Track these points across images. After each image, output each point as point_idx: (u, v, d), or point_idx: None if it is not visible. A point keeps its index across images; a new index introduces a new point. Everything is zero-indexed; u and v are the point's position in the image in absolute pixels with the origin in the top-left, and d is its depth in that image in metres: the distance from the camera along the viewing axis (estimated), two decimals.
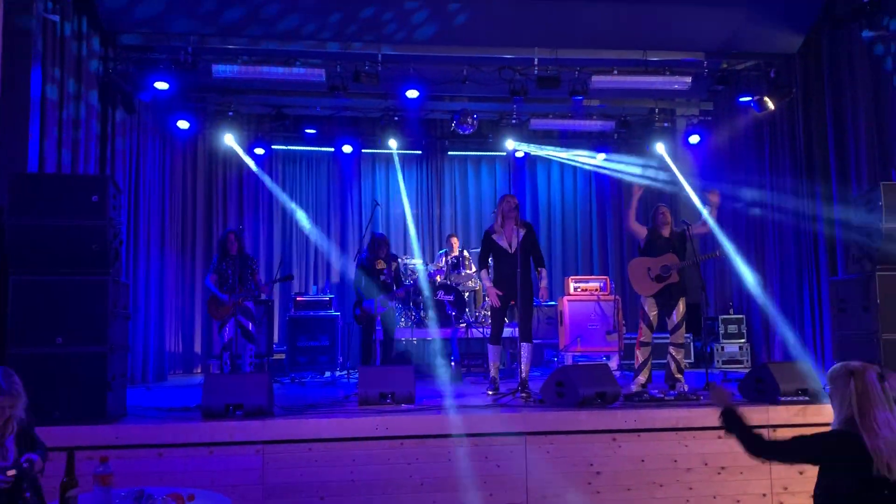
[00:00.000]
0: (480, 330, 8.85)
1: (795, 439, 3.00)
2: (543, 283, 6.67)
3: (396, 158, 11.56)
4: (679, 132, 11.05)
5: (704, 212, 6.77)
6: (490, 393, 6.42)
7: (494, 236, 6.61)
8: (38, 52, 6.03)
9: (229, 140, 10.18)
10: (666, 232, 6.67)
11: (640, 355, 6.61)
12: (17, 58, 5.68)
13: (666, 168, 10.90)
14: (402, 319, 9.32)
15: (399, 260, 8.73)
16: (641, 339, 6.63)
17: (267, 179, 11.05)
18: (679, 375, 6.50)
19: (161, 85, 8.39)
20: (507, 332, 8.42)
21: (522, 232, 6.47)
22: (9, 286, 4.92)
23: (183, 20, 8.15)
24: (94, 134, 7.61)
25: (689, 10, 8.19)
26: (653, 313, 6.59)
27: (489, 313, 7.38)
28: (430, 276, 9.29)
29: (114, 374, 5.09)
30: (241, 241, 7.88)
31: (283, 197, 11.19)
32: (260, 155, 10.84)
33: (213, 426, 4.85)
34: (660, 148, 10.71)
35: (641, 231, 6.76)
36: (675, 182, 10.97)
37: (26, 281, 4.94)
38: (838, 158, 7.92)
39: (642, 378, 6.53)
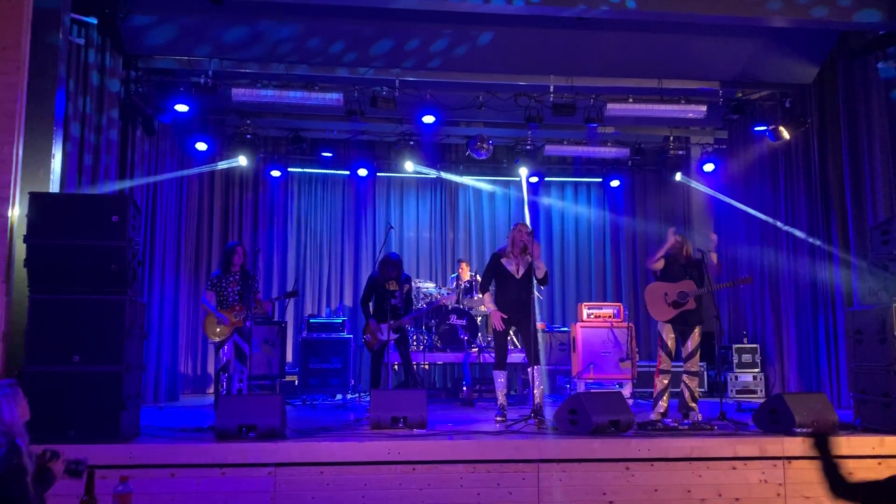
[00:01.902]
0: (493, 355, 8.80)
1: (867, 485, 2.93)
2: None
3: (411, 182, 11.65)
4: (694, 160, 11.07)
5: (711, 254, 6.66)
6: (498, 420, 6.40)
7: (504, 260, 6.65)
8: (62, 75, 6.14)
9: (246, 162, 10.28)
10: (683, 258, 6.67)
11: (659, 383, 6.53)
12: (42, 81, 5.78)
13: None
14: (415, 343, 9.32)
15: (413, 283, 8.64)
16: (661, 366, 6.58)
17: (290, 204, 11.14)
18: (693, 404, 6.45)
19: (181, 108, 8.53)
20: (517, 357, 8.44)
21: (529, 259, 6.55)
22: (28, 304, 4.98)
23: (204, 44, 8.29)
24: (114, 154, 7.72)
25: (704, 40, 8.25)
26: (670, 340, 6.55)
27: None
28: (436, 303, 9.24)
29: (128, 394, 5.12)
30: (247, 258, 7.46)
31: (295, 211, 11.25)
32: (276, 177, 10.95)
33: (226, 447, 4.86)
34: (679, 176, 10.76)
35: (661, 264, 6.74)
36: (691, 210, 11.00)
37: (46, 300, 5.00)
38: (854, 188, 7.90)
39: (662, 406, 6.46)
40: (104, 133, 7.40)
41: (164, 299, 9.06)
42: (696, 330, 6.53)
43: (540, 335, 8.59)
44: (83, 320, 5.00)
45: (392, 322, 7.40)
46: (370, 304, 7.70)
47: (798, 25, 7.46)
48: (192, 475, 4.73)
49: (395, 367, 8.69)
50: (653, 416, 6.31)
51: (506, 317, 6.58)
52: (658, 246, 6.85)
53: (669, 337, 6.54)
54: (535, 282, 6.60)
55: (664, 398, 6.48)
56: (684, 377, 6.50)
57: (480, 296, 9.64)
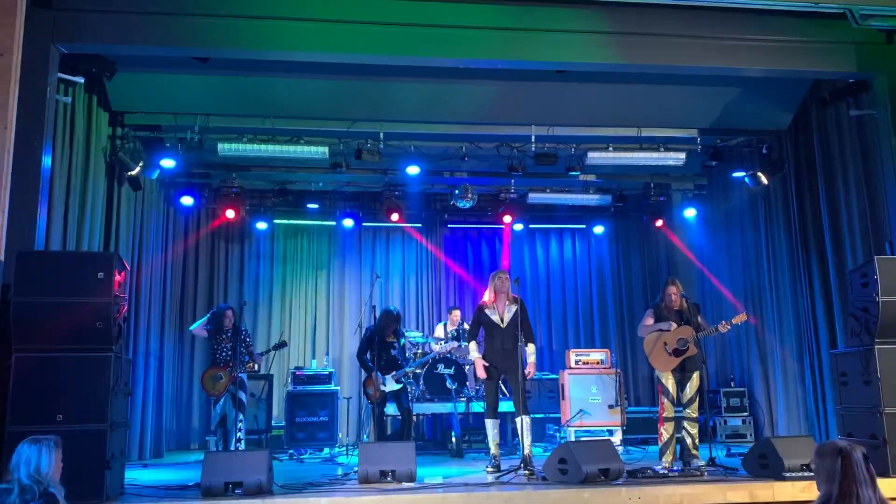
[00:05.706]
0: (481, 404, 8.76)
1: None
2: (531, 359, 6.64)
3: (397, 231, 11.70)
4: (675, 206, 11.21)
5: (722, 326, 6.67)
6: (489, 470, 6.34)
7: (487, 311, 6.68)
8: (49, 133, 6.19)
9: (232, 216, 10.31)
10: (677, 305, 6.65)
11: (664, 432, 6.44)
12: (29, 139, 5.83)
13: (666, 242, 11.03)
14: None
15: (405, 338, 8.74)
16: (665, 414, 6.47)
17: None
18: (695, 451, 6.36)
19: (167, 163, 8.59)
20: (507, 405, 8.38)
21: (514, 308, 6.56)
22: (12, 363, 4.93)
23: (190, 100, 8.37)
24: (99, 211, 7.73)
25: (681, 89, 8.43)
26: (671, 385, 6.48)
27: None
28: (442, 350, 9.19)
29: (113, 453, 5.05)
30: (237, 317, 8.16)
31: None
32: (262, 229, 10.98)
33: None
34: (658, 223, 10.84)
35: (647, 327, 6.73)
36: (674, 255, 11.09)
37: (30, 358, 4.96)
38: (832, 232, 8.02)
39: (669, 457, 6.37)
40: (90, 190, 7.43)
41: (149, 354, 8.98)
42: (696, 374, 6.47)
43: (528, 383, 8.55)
44: (68, 378, 4.97)
45: (395, 373, 7.68)
46: (366, 356, 7.79)
47: (771, 74, 7.65)
48: None
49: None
50: (661, 468, 6.08)
51: (488, 365, 6.57)
52: (649, 299, 6.82)
53: (670, 382, 6.48)
54: (520, 332, 6.58)
55: (671, 448, 6.40)
56: (685, 424, 6.42)
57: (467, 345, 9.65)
